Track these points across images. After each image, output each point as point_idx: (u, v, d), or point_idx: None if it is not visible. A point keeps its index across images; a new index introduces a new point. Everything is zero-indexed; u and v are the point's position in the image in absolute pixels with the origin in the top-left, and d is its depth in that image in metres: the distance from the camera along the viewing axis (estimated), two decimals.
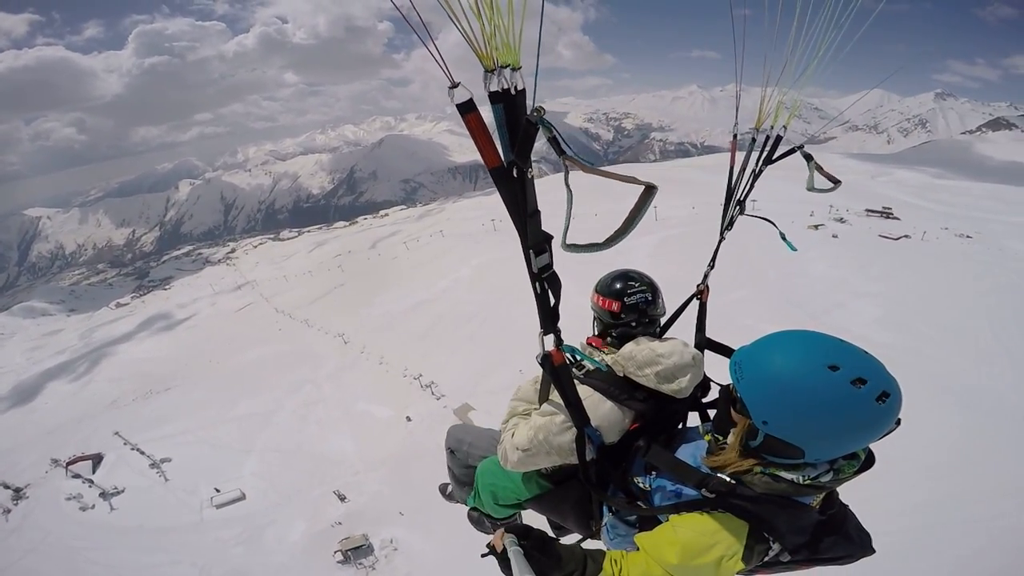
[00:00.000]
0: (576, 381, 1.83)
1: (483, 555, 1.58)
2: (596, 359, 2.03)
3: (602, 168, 1.06)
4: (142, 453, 28.65)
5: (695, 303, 2.47)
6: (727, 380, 1.57)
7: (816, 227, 54.62)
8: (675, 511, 1.51)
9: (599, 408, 1.86)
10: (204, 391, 41.57)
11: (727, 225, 2.49)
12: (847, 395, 1.23)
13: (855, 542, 1.48)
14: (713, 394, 1.99)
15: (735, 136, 2.39)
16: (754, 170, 2.38)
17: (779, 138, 2.35)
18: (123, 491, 27.79)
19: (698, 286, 2.48)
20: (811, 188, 2.43)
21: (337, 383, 34.75)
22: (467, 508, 2.85)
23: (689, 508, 1.47)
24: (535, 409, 2.02)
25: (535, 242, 1.26)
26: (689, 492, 1.53)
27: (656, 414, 1.90)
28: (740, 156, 2.41)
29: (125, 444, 28.96)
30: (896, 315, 29.69)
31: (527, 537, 1.53)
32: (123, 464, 29.66)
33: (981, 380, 23.34)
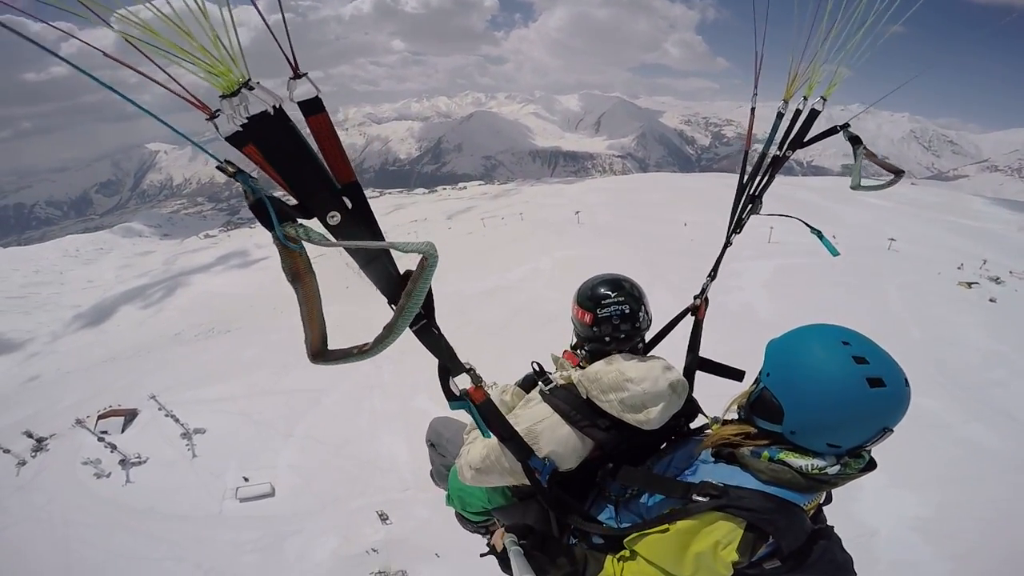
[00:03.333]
0: (540, 396, 1.78)
1: (483, 554, 1.57)
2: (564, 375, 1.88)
3: (356, 241, 0.80)
4: (176, 420, 24.62)
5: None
6: (718, 406, 1.65)
7: (969, 285, 44.44)
8: (660, 523, 1.41)
9: (556, 431, 1.68)
10: (260, 347, 37.78)
11: (736, 227, 2.06)
12: (842, 367, 1.30)
13: (839, 563, 1.44)
14: (699, 420, 1.86)
15: (753, 109, 1.98)
16: (778, 154, 1.89)
17: (814, 113, 1.79)
18: (146, 461, 23.81)
19: (695, 299, 2.19)
20: (857, 186, 1.82)
21: (399, 366, 29.14)
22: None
23: (676, 518, 1.38)
24: None
25: (386, 292, 0.99)
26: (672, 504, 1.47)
27: (618, 446, 1.68)
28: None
29: (160, 409, 24.96)
30: None
31: (527, 536, 1.52)
32: (155, 426, 25.95)
33: None
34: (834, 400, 1.28)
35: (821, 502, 1.51)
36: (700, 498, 1.36)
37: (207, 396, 28.77)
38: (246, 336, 45.38)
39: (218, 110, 0.73)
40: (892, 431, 1.30)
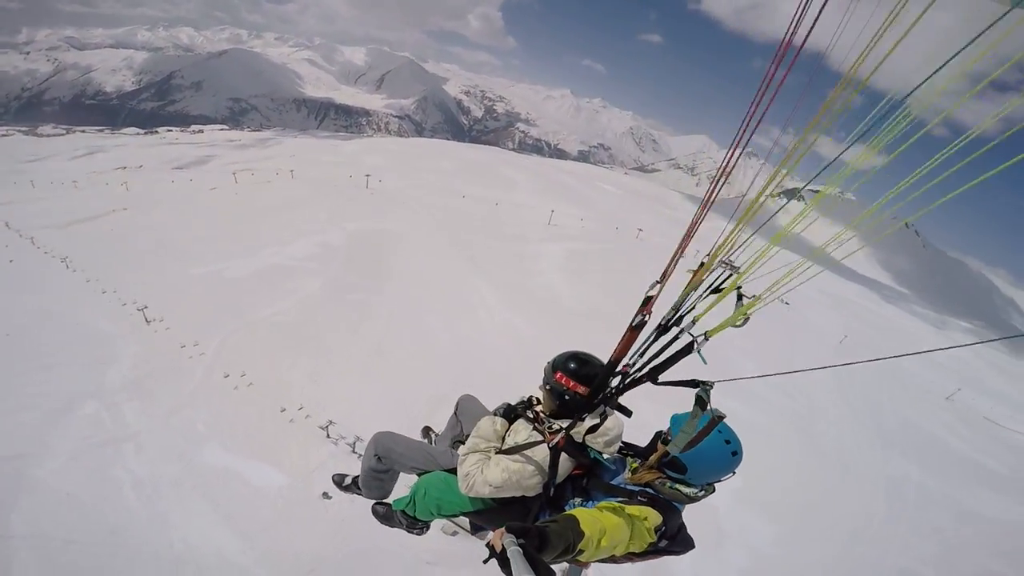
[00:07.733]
0: (539, 434, 2.57)
1: (485, 560, 1.61)
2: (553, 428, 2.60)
3: None
4: None
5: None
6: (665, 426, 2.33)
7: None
8: (617, 499, 2.27)
9: (563, 464, 2.48)
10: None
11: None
12: (723, 449, 2.12)
13: (689, 542, 2.31)
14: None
15: (702, 264, 2.21)
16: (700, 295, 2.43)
17: (690, 346, 2.35)
18: None
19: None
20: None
21: (150, 402, 13.79)
22: (371, 503, 3.22)
23: (627, 503, 2.17)
24: (496, 448, 2.54)
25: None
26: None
27: (589, 466, 2.57)
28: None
29: None
30: None
31: (525, 536, 1.60)
32: None
33: None
34: (716, 466, 2.14)
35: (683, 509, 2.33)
36: (641, 499, 2.21)
37: None
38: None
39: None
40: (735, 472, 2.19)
